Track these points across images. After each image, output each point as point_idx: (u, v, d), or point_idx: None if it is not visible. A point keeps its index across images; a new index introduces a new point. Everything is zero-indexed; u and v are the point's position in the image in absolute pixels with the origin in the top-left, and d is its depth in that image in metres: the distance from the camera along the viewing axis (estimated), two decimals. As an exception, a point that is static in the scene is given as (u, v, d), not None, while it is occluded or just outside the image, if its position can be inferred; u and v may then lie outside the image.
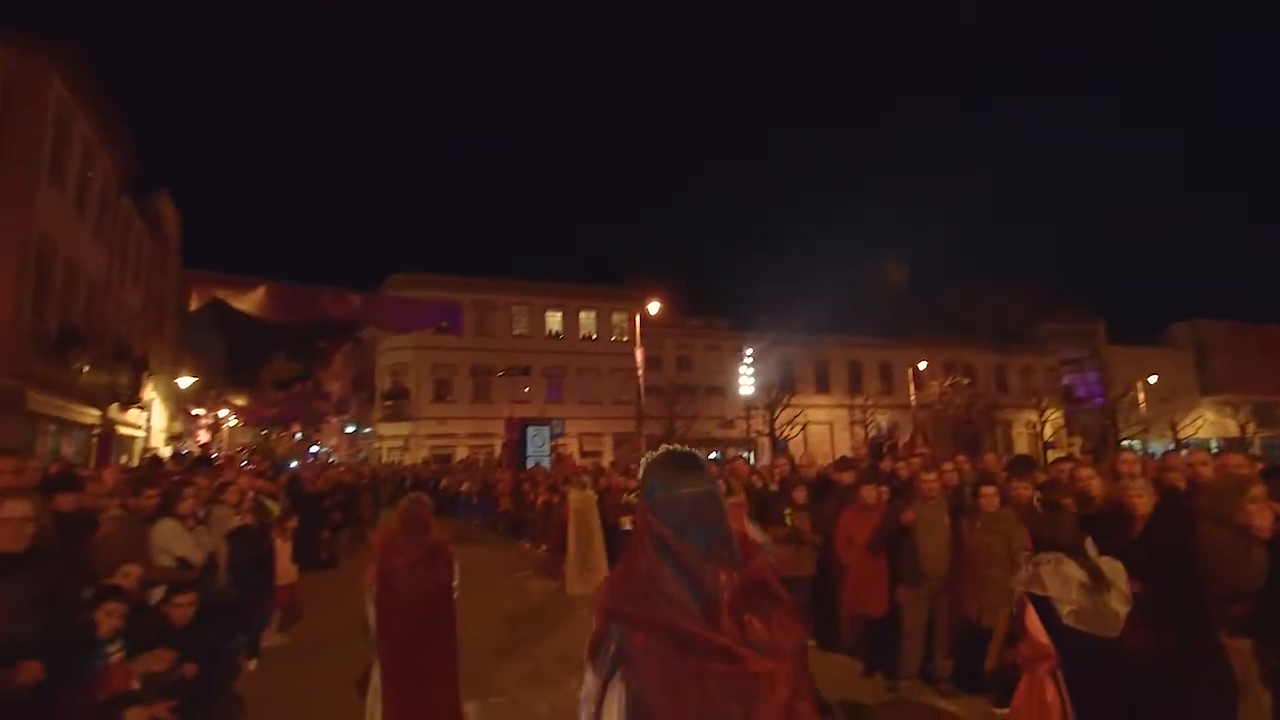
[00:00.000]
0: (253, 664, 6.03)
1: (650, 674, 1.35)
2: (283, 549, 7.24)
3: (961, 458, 7.28)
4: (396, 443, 33.78)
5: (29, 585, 2.72)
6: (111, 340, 18.73)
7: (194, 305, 14.60)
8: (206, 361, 35.62)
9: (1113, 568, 2.90)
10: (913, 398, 37.30)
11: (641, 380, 30.59)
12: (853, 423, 38.20)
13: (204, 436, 33.94)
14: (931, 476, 5.41)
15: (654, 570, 1.42)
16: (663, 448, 1.62)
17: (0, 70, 12.57)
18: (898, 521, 5.43)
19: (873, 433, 35.97)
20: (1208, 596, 3.46)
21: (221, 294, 14.39)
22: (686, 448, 1.63)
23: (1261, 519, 3.58)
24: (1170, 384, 41.23)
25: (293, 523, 7.79)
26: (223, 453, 34.05)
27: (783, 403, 33.39)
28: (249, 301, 14.29)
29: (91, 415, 17.20)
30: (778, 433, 33.20)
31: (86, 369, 15.97)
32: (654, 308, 28.39)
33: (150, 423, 23.36)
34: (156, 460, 15.59)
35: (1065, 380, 45.91)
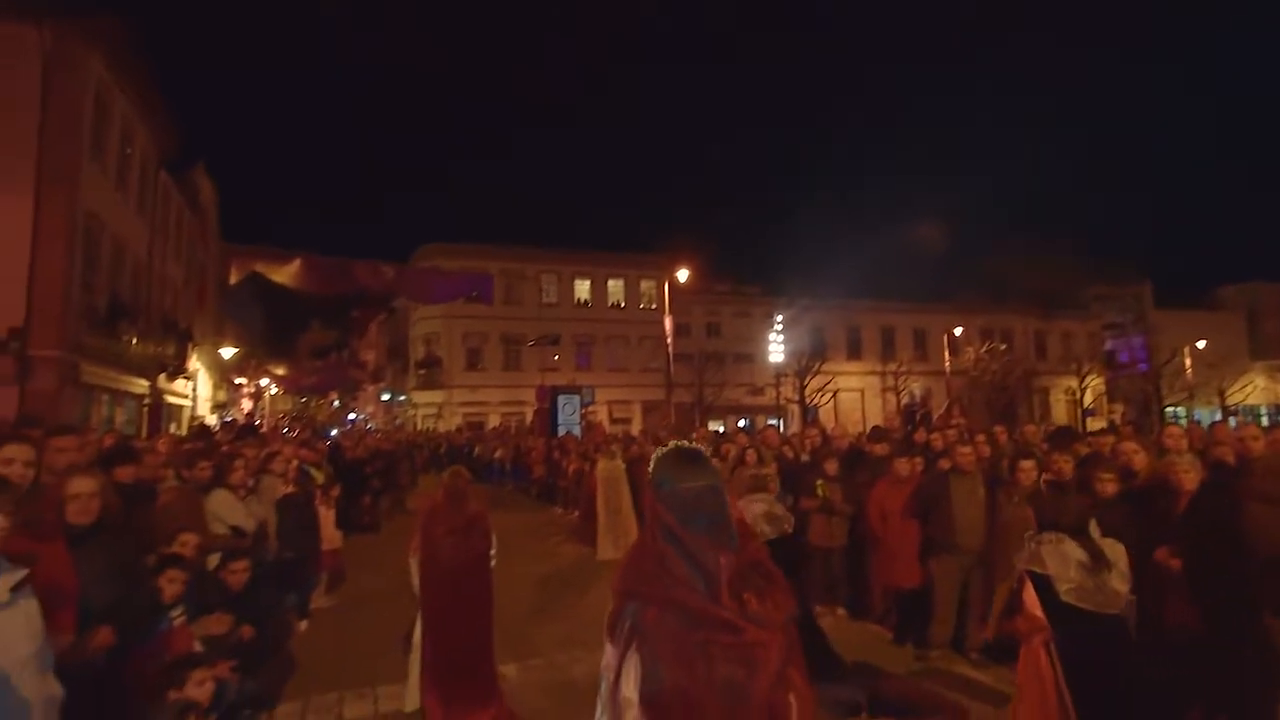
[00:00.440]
0: (303, 624, 6.34)
1: (662, 646, 1.51)
2: (327, 516, 7.51)
3: (1000, 428, 7.15)
4: (431, 410, 34.51)
5: (98, 556, 2.89)
6: (157, 313, 19.34)
7: (234, 279, 14.95)
8: (246, 331, 36.59)
9: (1114, 549, 2.99)
10: (947, 364, 36.56)
11: (670, 348, 30.56)
12: (885, 389, 37.71)
13: (247, 405, 35.04)
14: (968, 450, 5.34)
15: (663, 554, 1.59)
16: (671, 444, 1.80)
17: (39, 49, 12.80)
18: (932, 493, 5.41)
19: (905, 400, 35.53)
20: (1254, 577, 3.39)
21: (260, 267, 14.69)
22: (692, 444, 1.81)
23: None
24: (1219, 348, 39.65)
25: (336, 491, 8.06)
26: (265, 420, 35.19)
27: (813, 369, 33.08)
28: (285, 274, 14.58)
29: (141, 385, 17.88)
30: (808, 400, 32.99)
31: (135, 341, 16.55)
32: (683, 275, 28.16)
33: (196, 392, 24.19)
34: (204, 429, 16.20)
35: (1108, 345, 44.50)
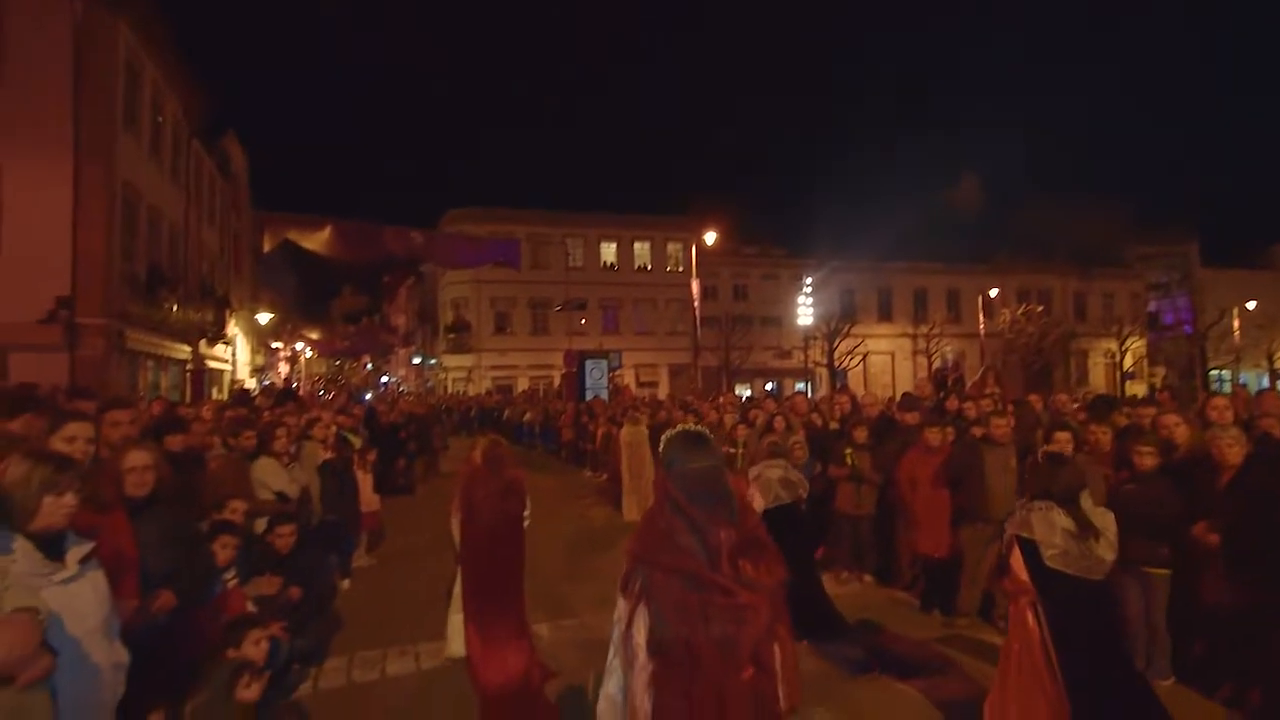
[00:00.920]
0: (346, 583, 6.62)
1: (667, 603, 1.74)
2: (365, 480, 7.76)
3: (1035, 397, 7.01)
4: (461, 374, 35.06)
5: (156, 525, 3.04)
6: (195, 280, 19.82)
7: (268, 246, 15.19)
8: (280, 297, 37.33)
9: (1104, 518, 3.18)
10: (981, 326, 35.76)
11: (697, 311, 30.42)
12: (915, 352, 37.09)
13: (284, 368, 35.98)
14: (1004, 421, 5.27)
15: (671, 526, 1.81)
16: (679, 428, 2.01)
17: (70, 21, 12.90)
18: (964, 462, 5.37)
19: (937, 364, 34.95)
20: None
21: (292, 235, 14.89)
22: (697, 428, 2.02)
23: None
24: (1270, 309, 37.99)
25: (372, 455, 8.30)
26: (301, 383, 36.11)
27: (842, 332, 32.66)
28: (316, 241, 14.76)
29: (183, 351, 18.46)
30: (836, 363, 32.66)
31: (175, 308, 17.03)
32: (710, 237, 27.82)
33: (235, 356, 24.90)
34: (244, 393, 16.72)
35: (1151, 306, 42.99)
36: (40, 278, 12.43)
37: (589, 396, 19.30)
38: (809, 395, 25.97)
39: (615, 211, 36.68)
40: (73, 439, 2.70)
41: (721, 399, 15.27)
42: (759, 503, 5.46)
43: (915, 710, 4.06)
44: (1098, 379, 40.31)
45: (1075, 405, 7.79)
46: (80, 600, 2.11)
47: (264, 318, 28.20)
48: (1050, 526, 3.09)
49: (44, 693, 1.75)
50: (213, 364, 21.52)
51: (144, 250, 15.73)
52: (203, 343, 19.83)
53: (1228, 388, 35.67)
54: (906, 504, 5.91)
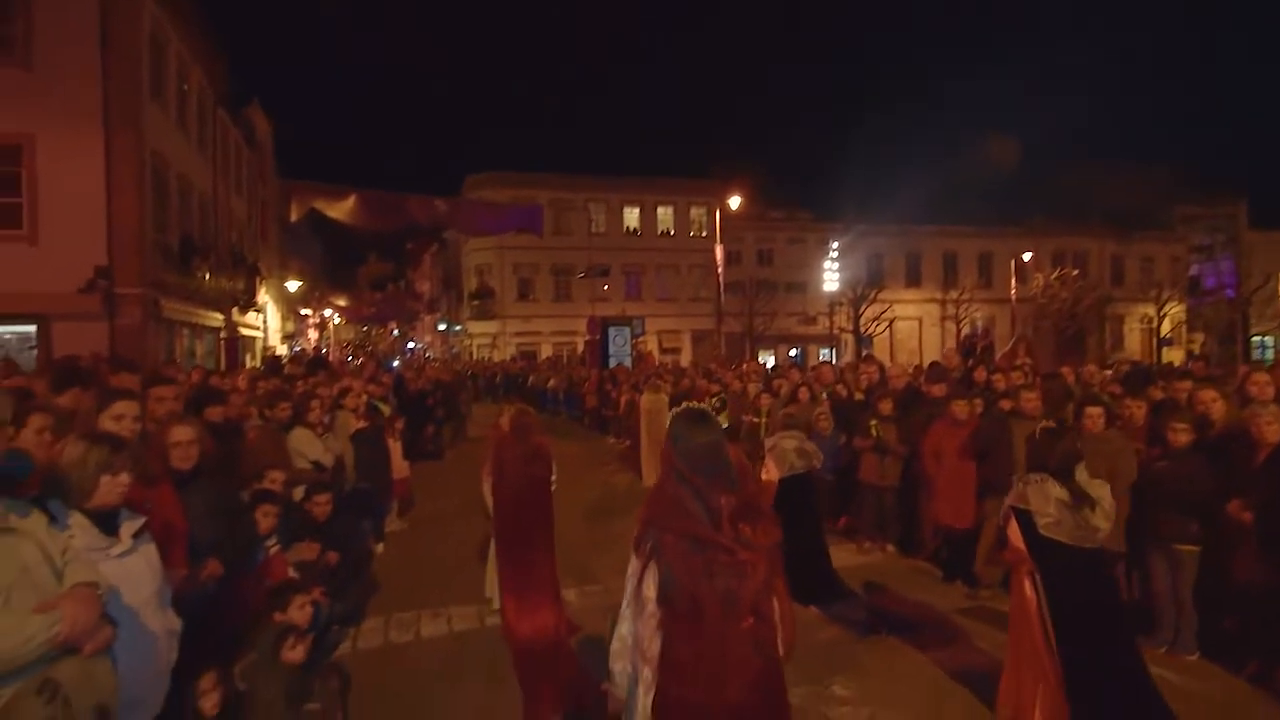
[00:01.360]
0: (380, 547, 6.85)
1: (675, 561, 1.96)
2: (394, 447, 7.95)
3: (1067, 369, 6.87)
4: (485, 340, 35.39)
5: (201, 496, 3.18)
6: (225, 248, 20.13)
7: (295, 216, 15.32)
8: (308, 264, 37.82)
9: (1100, 489, 3.30)
10: (1013, 291, 34.86)
11: (720, 276, 30.10)
12: (944, 318, 36.42)
13: (313, 335, 36.66)
14: (1034, 395, 5.20)
15: (677, 493, 2.03)
16: (684, 405, 2.23)
17: (95, -10, 12.91)
18: (992, 435, 5.32)
19: (965, 331, 34.31)
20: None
21: (318, 204, 14.99)
22: (701, 405, 2.24)
23: None
24: (1320, 274, 36.49)
25: (400, 424, 8.49)
26: (330, 348, 36.77)
27: (869, 298, 32.12)
28: (341, 210, 14.85)
29: (216, 319, 18.88)
30: (862, 329, 32.23)
31: (208, 276, 17.37)
32: (734, 202, 27.32)
33: (266, 324, 25.42)
34: (276, 361, 17.09)
35: (1192, 270, 41.45)
36: (78, 248, 12.72)
37: (612, 363, 19.39)
38: (834, 363, 25.79)
39: (638, 175, 36.22)
40: (120, 417, 2.81)
41: (745, 366, 15.25)
42: (774, 472, 5.63)
43: (927, 677, 4.12)
44: (1133, 345, 39.27)
45: (1108, 373, 7.62)
46: (135, 573, 2.22)
47: (293, 285, 28.68)
48: (1045, 498, 3.22)
49: (106, 660, 1.87)
50: (245, 331, 22.00)
51: (176, 219, 15.99)
52: (235, 310, 20.25)
53: (1270, 354, 34.58)
54: (930, 476, 5.90)
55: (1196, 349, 33.73)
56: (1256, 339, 34.28)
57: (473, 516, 5.98)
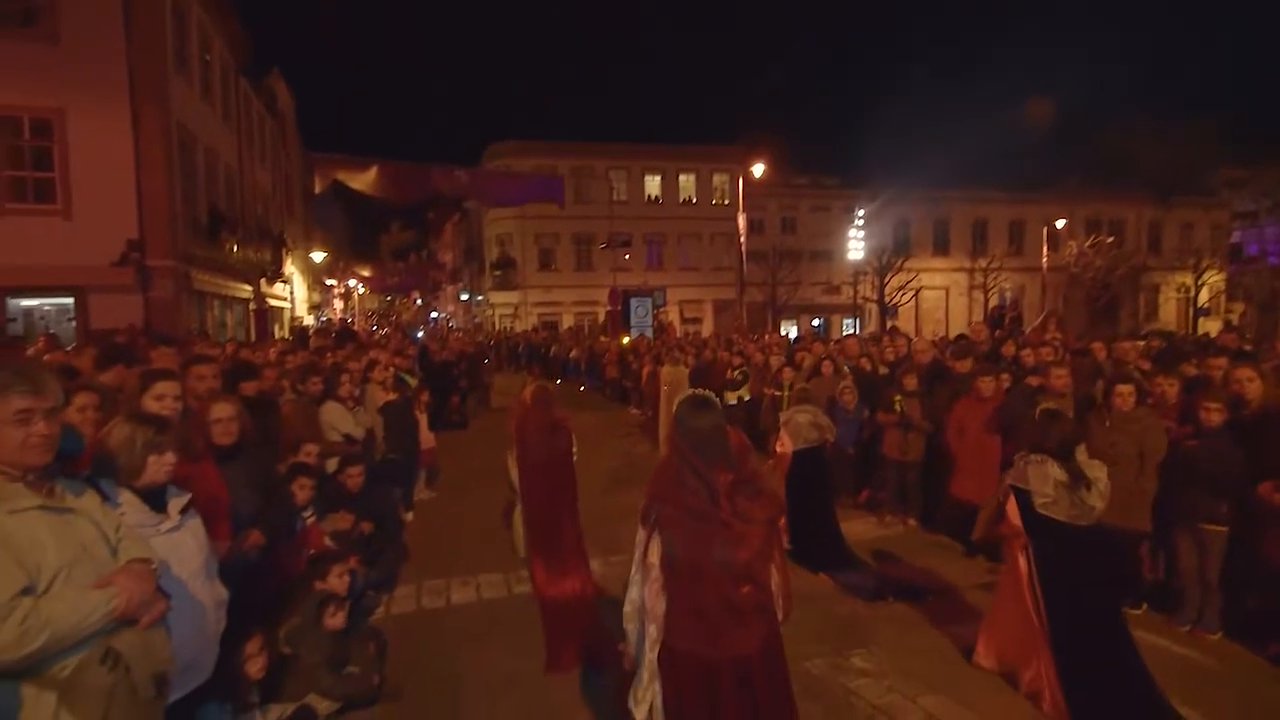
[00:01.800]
0: (409, 516, 7.05)
1: (675, 532, 2.18)
2: (420, 419, 8.12)
3: (1098, 345, 6.73)
4: (507, 310, 35.56)
5: (242, 470, 3.29)
6: (252, 220, 20.37)
7: (319, 187, 15.43)
8: (332, 235, 38.13)
9: (1096, 470, 3.43)
10: (1045, 259, 33.94)
11: (743, 245, 29.73)
12: (972, 287, 35.60)
13: (338, 305, 37.16)
14: (1064, 373, 5.13)
15: (679, 470, 2.24)
16: (689, 392, 2.41)
17: (117, -39, 12.90)
18: (1018, 411, 5.27)
19: (994, 301, 33.61)
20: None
21: (341, 175, 15.07)
22: (703, 392, 2.41)
23: None
24: (1373, 239, 34.97)
25: (425, 396, 8.65)
26: (356, 318, 37.28)
27: (895, 266, 31.53)
28: (363, 181, 14.94)
29: (245, 290, 19.21)
30: (887, 299, 31.73)
31: (236, 248, 17.62)
32: (758, 169, 26.80)
33: (293, 294, 25.81)
34: (303, 332, 17.39)
35: (1235, 237, 39.94)
36: (110, 222, 12.96)
37: (634, 334, 19.41)
38: (857, 333, 25.47)
39: (659, 142, 35.66)
40: (162, 396, 2.91)
41: (767, 338, 15.17)
42: (788, 444, 5.74)
43: (946, 649, 4.17)
44: (1168, 315, 38.20)
45: (1141, 344, 7.43)
46: (183, 547, 2.33)
47: (318, 256, 28.98)
48: (1043, 478, 3.37)
49: (162, 630, 1.98)
50: (272, 302, 22.37)
51: (203, 192, 16.19)
52: (262, 281, 20.57)
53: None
54: (954, 451, 5.88)
55: (1235, 319, 32.70)
56: (1300, 308, 33.07)
57: (498, 485, 6.23)
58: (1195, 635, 4.18)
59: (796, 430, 5.88)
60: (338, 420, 5.44)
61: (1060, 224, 34.94)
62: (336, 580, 3.68)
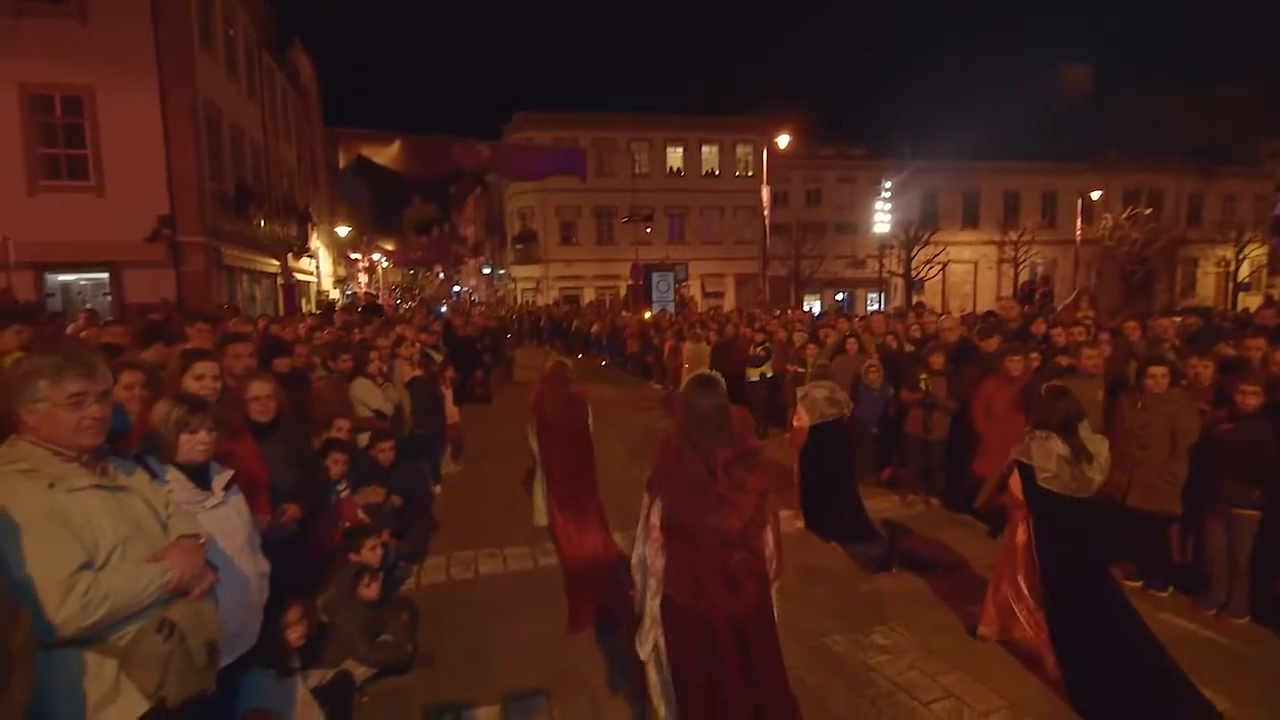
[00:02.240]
0: (437, 489, 7.21)
1: (674, 499, 2.44)
2: (446, 393, 8.25)
3: (1133, 324, 6.58)
4: (529, 284, 35.64)
5: (279, 446, 3.39)
6: (278, 195, 20.59)
7: (343, 162, 15.50)
8: (356, 209, 38.39)
9: (1098, 444, 3.56)
10: (1078, 232, 32.97)
11: (766, 218, 29.33)
12: (1002, 261, 34.75)
13: (363, 279, 37.56)
14: (1095, 353, 5.04)
15: (680, 444, 2.51)
16: (697, 373, 2.62)
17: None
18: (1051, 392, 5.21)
19: (1024, 276, 32.82)
20: None
21: (364, 150, 15.12)
22: (709, 373, 2.63)
23: None
24: None
25: (450, 372, 8.76)
26: (380, 291, 37.66)
27: (922, 240, 30.87)
28: (386, 156, 14.97)
29: (272, 265, 19.50)
30: (914, 273, 31.13)
31: (263, 223, 17.87)
32: (782, 141, 26.31)
33: (319, 269, 26.14)
34: (330, 308, 17.65)
35: (1278, 209, 38.38)
36: (141, 198, 13.21)
37: (655, 309, 19.38)
38: (882, 308, 25.11)
39: (682, 113, 35.09)
40: (201, 376, 3.01)
41: (791, 313, 15.06)
42: (805, 419, 5.82)
43: (966, 628, 4.19)
44: (1206, 290, 37.04)
45: (1177, 321, 7.23)
46: (228, 522, 2.43)
47: (342, 230, 29.24)
48: (1047, 454, 3.51)
49: (211, 602, 2.08)
50: (299, 276, 22.70)
51: (230, 167, 16.38)
52: (289, 256, 20.85)
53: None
54: (979, 429, 5.83)
55: (1276, 294, 31.59)
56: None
57: (521, 458, 6.45)
58: (1222, 619, 4.16)
59: (813, 405, 5.94)
60: (368, 396, 5.56)
61: (1095, 195, 33.85)
62: (370, 553, 3.81)
